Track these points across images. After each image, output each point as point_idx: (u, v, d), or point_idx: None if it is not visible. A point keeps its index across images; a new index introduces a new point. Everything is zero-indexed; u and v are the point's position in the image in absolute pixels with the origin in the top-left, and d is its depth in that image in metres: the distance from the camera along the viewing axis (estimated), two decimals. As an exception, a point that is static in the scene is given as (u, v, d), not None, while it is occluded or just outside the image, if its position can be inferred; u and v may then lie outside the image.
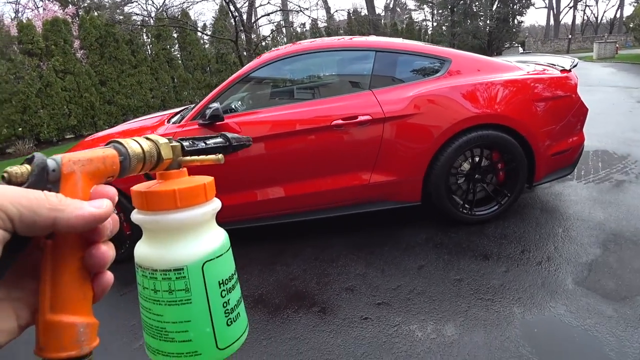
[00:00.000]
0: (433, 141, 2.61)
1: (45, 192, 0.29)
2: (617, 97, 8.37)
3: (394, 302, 2.19)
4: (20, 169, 0.29)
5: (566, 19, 47.77)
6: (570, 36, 38.14)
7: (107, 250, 0.33)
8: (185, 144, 0.44)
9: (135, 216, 0.41)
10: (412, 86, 2.69)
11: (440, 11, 29.58)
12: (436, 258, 2.56)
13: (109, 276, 0.35)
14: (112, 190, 0.34)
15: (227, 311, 0.44)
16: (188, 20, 17.75)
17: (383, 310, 2.13)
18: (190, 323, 0.42)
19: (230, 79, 2.86)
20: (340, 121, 2.57)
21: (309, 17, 20.49)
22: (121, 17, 15.21)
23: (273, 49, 3.45)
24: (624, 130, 5.45)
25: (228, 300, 0.44)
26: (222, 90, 2.80)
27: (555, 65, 2.99)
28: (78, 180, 0.32)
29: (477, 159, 2.78)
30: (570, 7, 44.61)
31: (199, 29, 19.57)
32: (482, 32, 25.85)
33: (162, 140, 0.41)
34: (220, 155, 0.48)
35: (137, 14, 15.45)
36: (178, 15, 17.78)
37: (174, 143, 0.43)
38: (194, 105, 3.04)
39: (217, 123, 2.57)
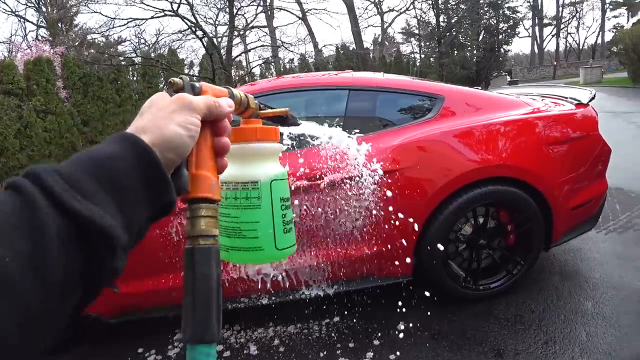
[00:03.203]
0: (425, 202, 2.05)
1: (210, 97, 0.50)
2: (615, 124, 7.97)
3: None
4: (178, 80, 0.50)
5: (549, 46, 48.74)
6: (555, 63, 38.76)
7: (227, 141, 0.51)
8: (262, 105, 0.67)
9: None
10: (397, 132, 2.15)
11: (427, 43, 29.89)
12: (434, 356, 1.94)
13: (225, 162, 0.51)
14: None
15: (284, 222, 0.64)
16: (175, 58, 17.56)
17: None
18: (258, 224, 0.61)
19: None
20: (304, 182, 2.01)
21: (292, 52, 20.40)
22: (106, 55, 14.93)
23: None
24: (635, 162, 4.96)
25: (285, 214, 0.65)
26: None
27: (568, 98, 2.49)
28: (210, 95, 0.51)
29: (481, 219, 2.22)
30: (553, 35, 45.67)
31: (185, 66, 19.39)
32: (470, 62, 25.96)
33: (251, 97, 0.62)
34: (287, 108, 0.71)
35: (122, 56, 15.22)
36: (165, 53, 17.62)
37: (256, 101, 0.65)
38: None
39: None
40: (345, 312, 2.38)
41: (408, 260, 2.14)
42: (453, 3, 26.35)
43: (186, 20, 12.59)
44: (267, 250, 0.62)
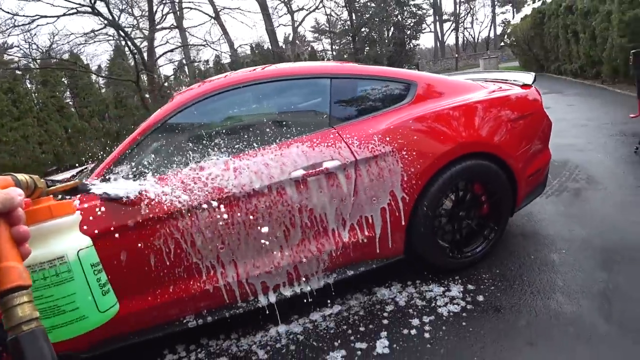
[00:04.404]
0: (416, 181, 2.16)
1: None
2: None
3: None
4: None
5: (450, 40, 53.09)
6: (456, 55, 42.17)
7: (25, 229, 0.51)
8: (49, 182, 0.71)
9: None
10: (381, 118, 2.24)
11: (339, 40, 30.81)
12: (443, 323, 2.07)
13: (28, 249, 0.52)
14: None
15: (100, 285, 0.68)
16: (79, 63, 16.06)
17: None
18: (75, 295, 0.63)
19: (137, 131, 2.11)
20: (301, 171, 2.01)
21: (215, 50, 19.81)
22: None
23: (191, 86, 2.75)
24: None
25: (100, 277, 0.69)
26: (125, 149, 2.03)
27: (514, 81, 2.77)
28: None
29: (460, 194, 2.40)
30: (452, 30, 49.72)
31: (93, 71, 17.82)
32: (382, 56, 27.32)
33: (36, 177, 0.66)
34: (76, 180, 1.02)
35: (16, 61, 13.53)
36: (66, 57, 16.02)
37: (42, 180, 0.67)
38: (93, 166, 2.29)
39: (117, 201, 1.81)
40: (342, 300, 2.42)
41: (401, 240, 2.25)
42: (362, 1, 27.46)
43: (101, 18, 11.54)
44: (92, 317, 0.65)
